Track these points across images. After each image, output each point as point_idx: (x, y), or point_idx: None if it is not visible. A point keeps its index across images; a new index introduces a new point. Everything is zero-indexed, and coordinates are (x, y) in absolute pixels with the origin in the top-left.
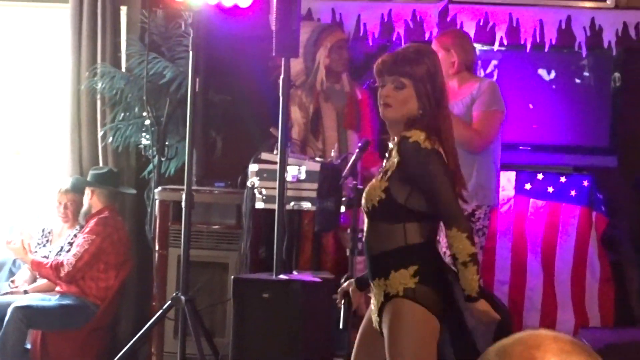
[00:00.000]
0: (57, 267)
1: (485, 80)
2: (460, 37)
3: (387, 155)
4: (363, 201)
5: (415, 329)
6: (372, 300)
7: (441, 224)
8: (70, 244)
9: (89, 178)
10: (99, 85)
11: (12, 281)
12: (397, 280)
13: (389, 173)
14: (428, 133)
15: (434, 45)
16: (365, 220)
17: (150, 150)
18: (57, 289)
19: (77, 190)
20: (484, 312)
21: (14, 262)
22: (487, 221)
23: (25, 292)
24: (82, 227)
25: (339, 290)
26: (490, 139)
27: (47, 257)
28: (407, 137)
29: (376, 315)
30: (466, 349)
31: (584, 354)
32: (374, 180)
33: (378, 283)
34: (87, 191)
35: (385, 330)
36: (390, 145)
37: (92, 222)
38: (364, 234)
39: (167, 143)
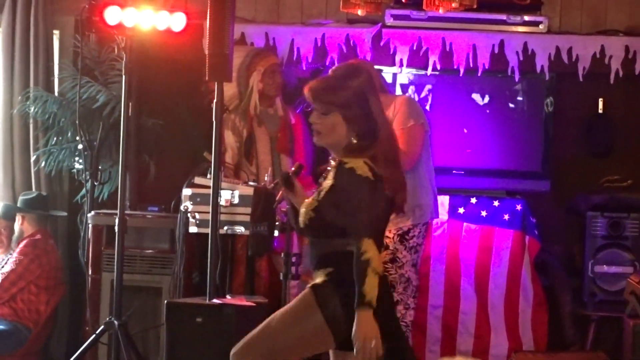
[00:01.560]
0: None
1: (398, 97)
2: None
3: (323, 175)
4: (300, 217)
5: (296, 306)
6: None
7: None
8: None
9: (18, 204)
10: (32, 109)
11: None
12: (316, 277)
13: (322, 194)
14: (367, 158)
15: None
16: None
17: (83, 175)
18: None
19: (8, 217)
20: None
21: None
22: (422, 239)
23: None
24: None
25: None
26: (415, 155)
27: None
28: (344, 162)
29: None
30: None
31: None
32: (309, 198)
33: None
34: (18, 217)
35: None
36: (332, 163)
37: (22, 244)
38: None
39: (100, 167)
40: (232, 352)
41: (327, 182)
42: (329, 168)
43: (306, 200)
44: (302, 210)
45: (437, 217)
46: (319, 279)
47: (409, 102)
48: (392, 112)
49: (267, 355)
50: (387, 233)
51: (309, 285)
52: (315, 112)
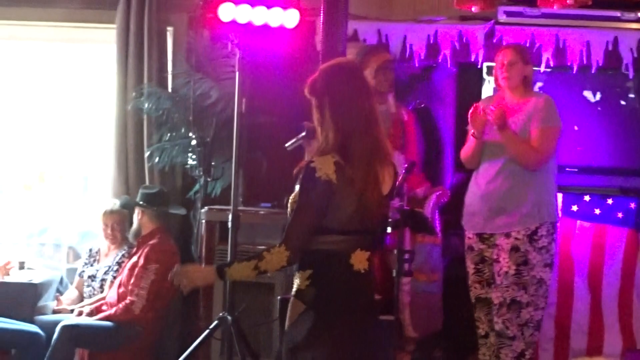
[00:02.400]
0: (127, 308)
1: (542, 96)
2: (518, 50)
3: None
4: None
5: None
6: None
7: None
8: (119, 263)
9: (138, 197)
10: (145, 105)
11: (58, 299)
12: (298, 280)
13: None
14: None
15: (497, 60)
16: None
17: (196, 171)
18: (104, 307)
19: (127, 208)
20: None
21: (61, 281)
22: (551, 237)
23: (72, 311)
24: (131, 246)
25: None
26: (547, 156)
27: (95, 276)
28: (311, 161)
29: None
30: None
31: None
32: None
33: (295, 276)
34: (137, 210)
35: None
36: None
37: (146, 249)
38: None
39: (212, 163)
40: None
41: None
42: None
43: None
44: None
45: (558, 221)
46: (300, 281)
47: (552, 104)
48: (533, 110)
49: None
50: (514, 234)
51: (293, 291)
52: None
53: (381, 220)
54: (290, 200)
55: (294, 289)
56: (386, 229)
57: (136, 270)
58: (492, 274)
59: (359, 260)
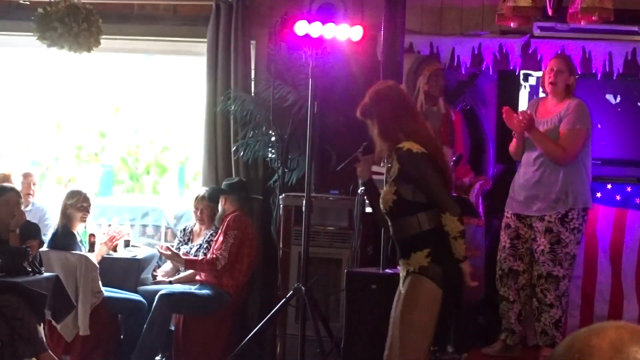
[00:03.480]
0: (213, 261)
1: (574, 100)
2: (567, 61)
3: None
4: (381, 205)
5: (424, 299)
6: (400, 275)
7: None
8: (209, 242)
9: (222, 187)
10: (232, 107)
11: (155, 273)
12: (415, 260)
13: (393, 178)
14: (414, 142)
15: (548, 66)
16: (387, 218)
17: (276, 163)
18: (197, 278)
19: (212, 198)
20: (467, 271)
21: (160, 256)
22: (582, 220)
23: (170, 282)
24: (217, 229)
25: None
26: (574, 154)
27: (189, 253)
28: (400, 147)
29: (400, 287)
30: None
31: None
32: (385, 187)
33: (402, 262)
34: (221, 198)
35: (402, 298)
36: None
37: (227, 220)
38: (390, 228)
39: (289, 157)
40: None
41: (394, 167)
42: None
43: (384, 189)
44: (383, 197)
45: (590, 207)
46: (420, 260)
47: (583, 107)
48: (564, 112)
49: (423, 349)
50: (547, 217)
51: (411, 270)
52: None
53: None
54: (385, 197)
55: (416, 267)
56: None
57: (219, 237)
58: (526, 250)
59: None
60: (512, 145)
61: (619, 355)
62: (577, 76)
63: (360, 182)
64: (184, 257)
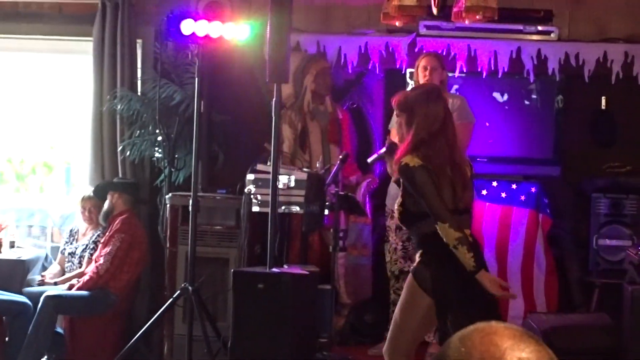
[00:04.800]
0: (94, 274)
1: (457, 97)
2: (438, 57)
3: None
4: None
5: (406, 298)
6: None
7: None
8: (95, 242)
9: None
10: (118, 107)
11: (42, 276)
12: (415, 260)
13: (401, 190)
14: (418, 154)
15: (420, 65)
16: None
17: (162, 162)
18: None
19: (98, 193)
20: (486, 281)
21: (46, 257)
22: None
23: (55, 283)
24: (104, 228)
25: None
26: (464, 148)
27: (75, 253)
28: (401, 162)
29: None
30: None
31: (531, 339)
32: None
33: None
34: (111, 194)
35: None
36: None
37: (117, 223)
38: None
39: (176, 156)
40: (383, 351)
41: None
42: None
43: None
44: (395, 208)
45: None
46: (415, 264)
47: (466, 102)
48: (450, 109)
49: (404, 349)
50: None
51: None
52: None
53: (471, 201)
54: (396, 207)
55: (413, 267)
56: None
57: (106, 239)
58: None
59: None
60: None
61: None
62: (464, 74)
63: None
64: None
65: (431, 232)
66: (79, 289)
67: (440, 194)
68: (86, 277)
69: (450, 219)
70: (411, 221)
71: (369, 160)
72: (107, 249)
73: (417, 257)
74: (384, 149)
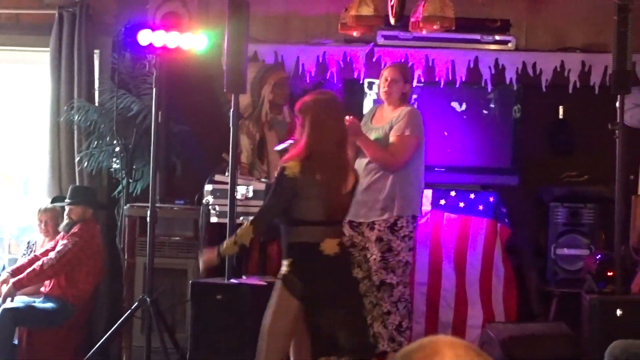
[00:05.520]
0: (39, 268)
1: (405, 108)
2: (402, 69)
3: None
4: None
5: (276, 304)
6: None
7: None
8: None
9: (68, 194)
10: (76, 117)
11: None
12: (282, 267)
13: None
14: (303, 164)
15: (382, 75)
16: None
17: (120, 173)
18: (42, 289)
19: (57, 207)
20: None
21: (3, 269)
22: (412, 228)
23: (10, 273)
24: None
25: None
26: (402, 161)
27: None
28: (284, 164)
29: None
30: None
31: (476, 357)
32: None
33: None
34: (67, 207)
35: None
36: None
37: (75, 228)
38: None
39: (134, 167)
40: None
41: None
42: None
43: None
44: None
45: (421, 214)
46: (284, 268)
47: (414, 115)
48: (395, 120)
49: (277, 357)
50: (377, 226)
51: (279, 275)
52: None
53: (345, 213)
54: None
55: (280, 274)
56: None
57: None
58: (363, 257)
59: (329, 246)
60: None
61: None
62: (422, 84)
63: None
64: (12, 280)
65: (297, 241)
66: (20, 280)
67: (280, 205)
68: (30, 269)
69: (259, 225)
70: (284, 223)
71: (276, 148)
72: (59, 248)
73: (285, 265)
74: (290, 141)
